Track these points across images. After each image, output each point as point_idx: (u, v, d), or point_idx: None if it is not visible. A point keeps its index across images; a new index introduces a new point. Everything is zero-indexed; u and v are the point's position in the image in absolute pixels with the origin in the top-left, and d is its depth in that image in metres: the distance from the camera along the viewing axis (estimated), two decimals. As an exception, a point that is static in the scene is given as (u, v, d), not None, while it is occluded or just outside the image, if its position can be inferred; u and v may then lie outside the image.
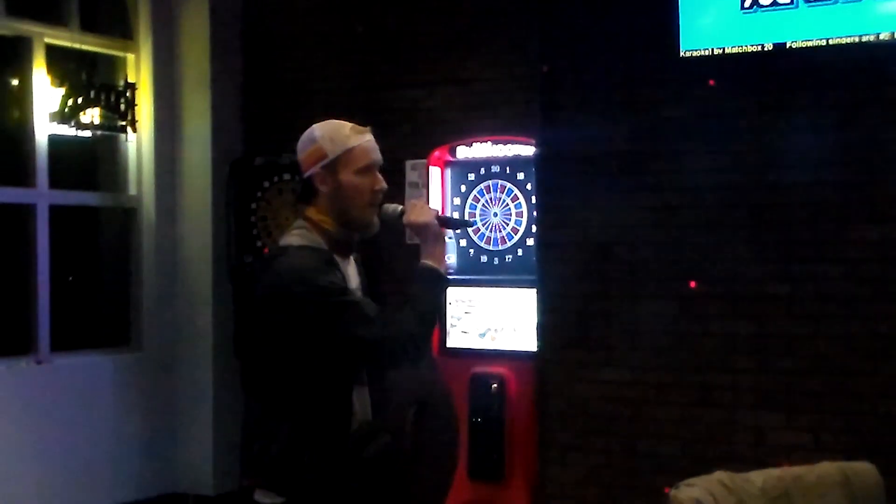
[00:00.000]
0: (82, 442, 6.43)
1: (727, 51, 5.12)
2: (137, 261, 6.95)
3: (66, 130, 6.45)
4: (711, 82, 5.17)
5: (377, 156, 3.12)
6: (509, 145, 5.90)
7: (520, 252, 5.89)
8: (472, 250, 6.02)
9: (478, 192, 6.02)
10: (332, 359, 2.99)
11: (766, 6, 5.03)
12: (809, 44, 4.93)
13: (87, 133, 6.60)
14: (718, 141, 5.22)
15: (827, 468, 3.59)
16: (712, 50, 5.15)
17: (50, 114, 6.38)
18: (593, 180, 5.51)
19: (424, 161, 6.08)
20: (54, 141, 6.45)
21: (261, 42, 7.12)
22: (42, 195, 6.38)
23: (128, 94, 6.69)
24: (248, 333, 2.96)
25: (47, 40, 6.41)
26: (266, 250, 6.37)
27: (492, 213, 5.97)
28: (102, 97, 6.54)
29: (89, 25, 6.72)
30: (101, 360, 6.73)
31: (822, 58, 4.93)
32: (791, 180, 5.06)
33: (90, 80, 6.51)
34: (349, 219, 3.08)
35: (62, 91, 6.39)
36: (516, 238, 5.91)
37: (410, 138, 6.39)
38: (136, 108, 6.74)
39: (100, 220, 7.23)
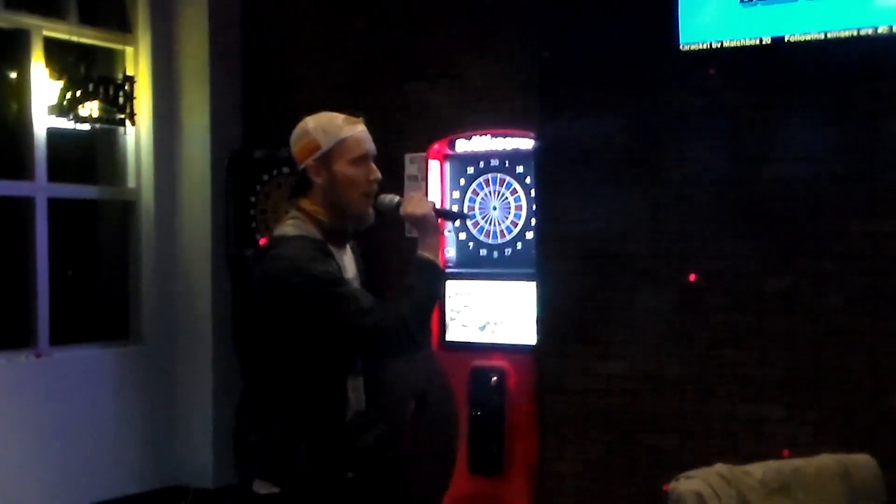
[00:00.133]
0: (82, 435, 6.43)
1: (726, 44, 5.10)
2: (136, 254, 6.94)
3: (65, 123, 6.45)
4: (712, 71, 5.16)
5: (371, 146, 3.13)
6: (508, 139, 5.89)
7: (519, 245, 5.89)
8: (471, 244, 6.02)
9: (477, 186, 6.02)
10: (326, 348, 2.99)
11: (766, -1, 5.03)
12: (808, 37, 4.92)
13: (86, 126, 6.59)
14: (717, 134, 5.22)
15: (826, 461, 3.60)
16: (710, 44, 5.14)
17: (48, 107, 6.37)
18: (592, 173, 5.51)
19: (423, 154, 6.08)
20: (53, 134, 6.44)
21: (260, 35, 7.11)
22: (41, 188, 6.37)
23: (126, 88, 6.68)
24: (244, 323, 2.97)
25: (46, 33, 6.40)
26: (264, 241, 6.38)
27: (491, 207, 5.97)
28: (101, 90, 6.53)
29: (88, 18, 6.71)
30: (100, 353, 6.73)
31: (821, 51, 4.93)
32: (790, 174, 5.05)
33: (88, 73, 6.51)
34: (344, 209, 3.09)
35: (60, 84, 6.38)
36: (515, 231, 5.91)
37: (410, 131, 6.39)
38: (134, 101, 6.73)
39: (98, 214, 7.22)
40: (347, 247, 3.22)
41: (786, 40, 4.97)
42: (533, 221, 5.74)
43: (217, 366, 6.85)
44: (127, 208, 6.98)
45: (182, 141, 7.01)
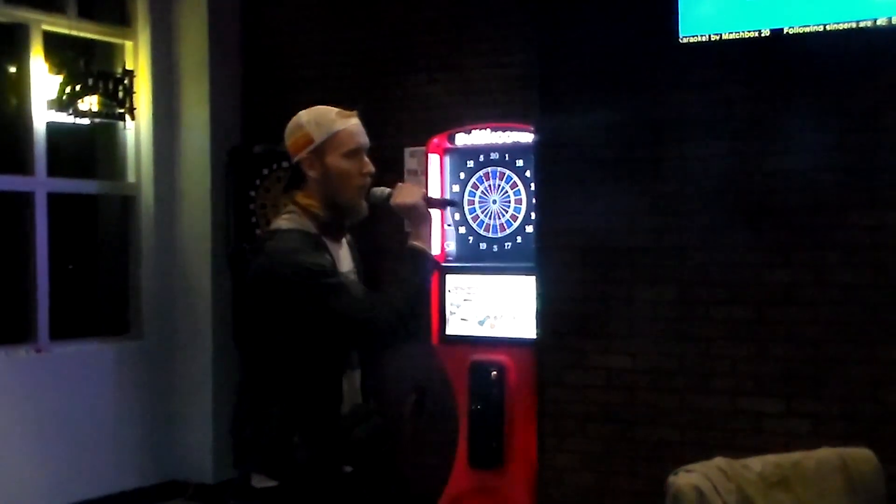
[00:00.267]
0: (81, 430, 6.44)
1: (725, 37, 5.10)
2: (136, 249, 6.95)
3: (64, 118, 6.44)
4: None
5: (364, 139, 3.14)
6: (508, 132, 5.88)
7: (519, 239, 5.89)
8: (471, 238, 6.01)
9: (477, 180, 6.01)
10: (320, 340, 3.00)
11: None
12: (807, 30, 4.92)
13: (86, 121, 6.59)
14: (716, 128, 5.21)
15: (826, 454, 3.60)
16: (710, 36, 5.13)
17: (48, 101, 6.37)
18: (592, 167, 5.50)
19: (423, 148, 6.07)
20: (52, 129, 6.45)
21: (259, 29, 7.11)
22: (40, 183, 6.37)
23: (126, 82, 6.69)
24: (243, 318, 3.00)
25: (45, 27, 6.40)
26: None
27: (491, 201, 5.96)
28: (100, 85, 6.54)
29: (87, 12, 6.71)
30: (100, 348, 6.74)
31: (820, 44, 4.92)
32: (789, 167, 5.05)
33: (88, 67, 6.51)
34: (338, 203, 3.10)
35: (60, 78, 6.38)
36: (515, 225, 5.91)
37: (409, 125, 6.40)
38: (134, 95, 6.73)
39: (98, 209, 7.22)
40: (343, 241, 3.23)
41: (785, 32, 4.97)
42: (533, 215, 5.74)
43: (217, 360, 6.86)
44: (127, 203, 6.98)
45: (182, 136, 7.01)
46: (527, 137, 5.76)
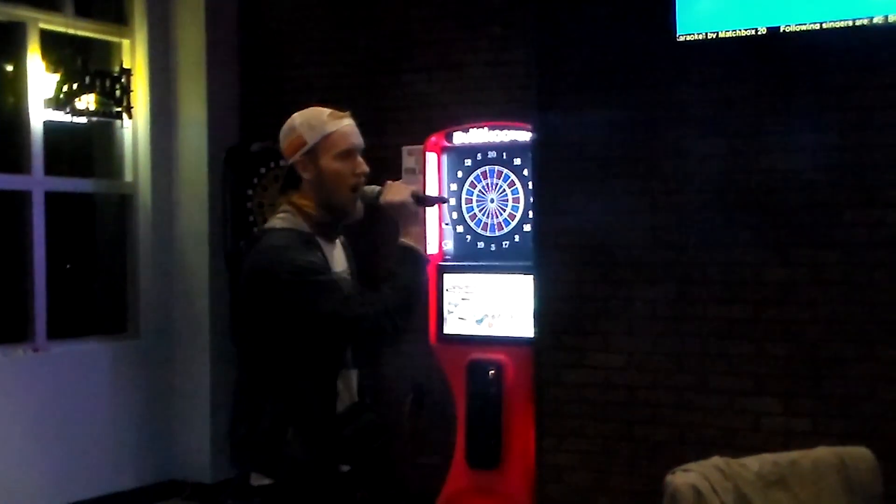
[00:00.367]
0: (79, 430, 6.43)
1: (722, 35, 5.09)
2: (133, 247, 6.94)
3: (62, 117, 6.43)
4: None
5: (357, 140, 3.15)
6: (506, 131, 5.87)
7: (516, 238, 5.88)
8: (468, 236, 6.00)
9: (474, 178, 6.00)
10: (311, 338, 3.01)
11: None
12: (804, 28, 4.91)
13: (83, 119, 6.58)
14: (714, 126, 5.21)
15: (823, 453, 3.59)
16: (707, 34, 5.12)
17: (45, 100, 6.35)
18: (590, 166, 5.49)
19: (421, 147, 6.06)
20: (49, 127, 6.44)
21: (257, 28, 7.10)
22: (38, 182, 6.37)
23: (123, 80, 6.67)
24: (237, 314, 3.03)
25: (42, 25, 6.38)
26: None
27: (488, 199, 5.95)
28: (98, 83, 6.52)
29: (84, 10, 6.70)
30: (98, 347, 6.73)
31: (817, 42, 4.91)
32: (787, 165, 5.04)
33: (85, 65, 6.49)
34: (332, 203, 3.12)
35: (57, 77, 6.37)
36: (513, 224, 5.90)
37: (407, 124, 6.39)
38: (131, 94, 6.72)
39: (96, 207, 7.22)
40: (338, 241, 3.24)
41: (782, 31, 4.96)
42: (530, 214, 5.73)
43: (215, 360, 6.85)
44: (124, 202, 6.97)
45: (179, 134, 7.00)
46: (525, 136, 5.76)
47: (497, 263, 5.86)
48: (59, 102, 6.36)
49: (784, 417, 5.02)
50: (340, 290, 3.01)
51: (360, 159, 3.14)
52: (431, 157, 6.03)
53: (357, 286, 3.19)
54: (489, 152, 5.95)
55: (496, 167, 5.94)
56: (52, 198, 6.45)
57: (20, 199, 6.35)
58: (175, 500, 6.86)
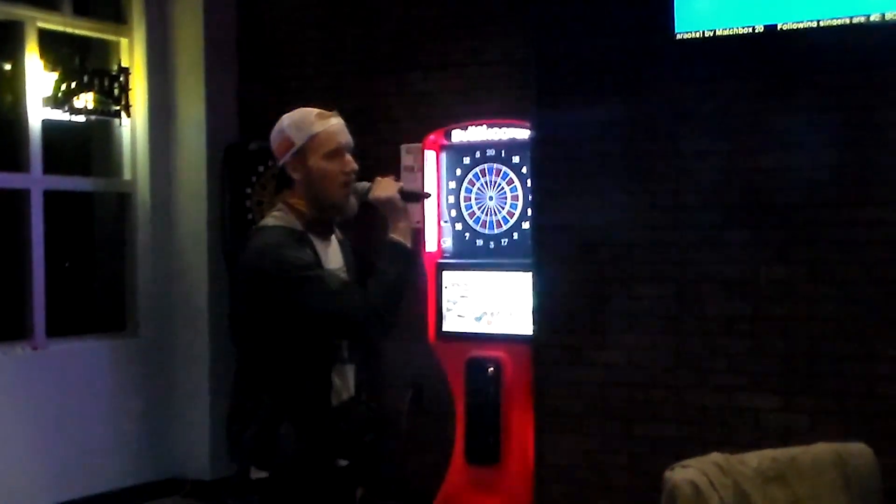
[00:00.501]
0: (79, 428, 6.43)
1: (720, 33, 5.09)
2: (132, 246, 6.93)
3: (60, 115, 6.43)
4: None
5: (344, 138, 3.19)
6: (504, 129, 5.88)
7: (515, 236, 5.88)
8: (467, 234, 6.01)
9: (473, 176, 6.00)
10: (300, 332, 3.06)
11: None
12: (801, 26, 4.92)
13: (81, 118, 6.57)
14: (712, 124, 5.21)
15: (822, 449, 3.60)
16: (704, 32, 5.12)
17: (43, 98, 6.35)
18: (589, 163, 5.50)
19: (419, 145, 6.06)
20: (48, 126, 6.43)
21: (255, 26, 7.09)
22: (36, 180, 6.36)
23: (121, 79, 6.67)
24: (233, 311, 3.13)
25: (40, 24, 6.38)
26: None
27: (487, 197, 5.96)
28: (96, 81, 6.51)
29: (82, 9, 6.69)
30: (97, 345, 6.73)
31: (814, 40, 4.92)
32: (786, 163, 5.05)
33: (83, 64, 6.49)
34: (323, 201, 3.17)
35: (55, 75, 6.36)
36: (512, 222, 5.90)
37: (406, 122, 6.39)
38: (129, 92, 6.72)
39: (94, 205, 7.21)
40: (334, 239, 3.27)
41: (779, 28, 4.97)
42: (529, 211, 5.73)
43: (214, 357, 6.85)
44: (123, 200, 6.97)
45: (178, 132, 6.99)
46: (523, 134, 5.76)
47: (496, 261, 5.86)
48: (57, 101, 6.35)
49: (783, 414, 5.03)
50: (327, 285, 3.05)
51: (348, 157, 3.19)
52: (430, 155, 6.04)
53: (354, 282, 3.21)
54: (488, 150, 5.96)
55: (495, 165, 5.94)
56: (50, 196, 6.44)
57: (19, 198, 6.34)
58: (175, 498, 6.86)
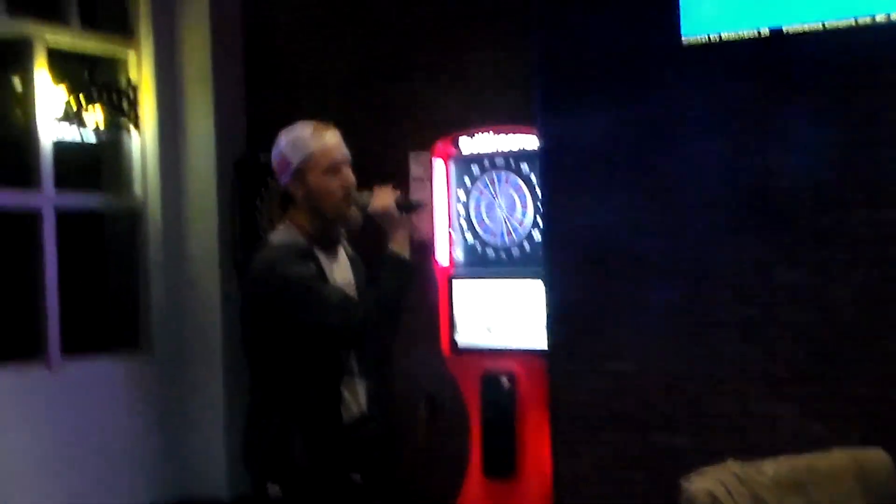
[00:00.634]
0: (94, 447, 6.42)
1: (726, 37, 5.07)
2: (144, 262, 6.93)
3: (70, 131, 6.43)
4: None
5: (340, 153, 3.23)
6: (512, 136, 5.84)
7: (526, 245, 5.84)
8: (477, 245, 5.98)
9: (482, 184, 5.97)
10: (304, 346, 3.11)
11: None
12: (806, 28, 4.89)
13: (91, 133, 6.58)
14: (720, 127, 5.18)
15: (839, 456, 3.58)
16: (709, 37, 5.11)
17: (53, 115, 6.34)
18: (597, 169, 5.48)
19: (428, 153, 6.04)
20: (58, 142, 6.43)
21: (262, 38, 7.10)
22: (48, 199, 6.36)
23: (130, 94, 6.67)
24: (244, 326, 3.21)
25: (48, 39, 6.37)
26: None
27: (497, 206, 5.93)
28: (105, 97, 6.53)
29: (90, 24, 6.70)
30: (111, 364, 6.73)
31: (820, 42, 4.88)
32: (794, 164, 5.01)
33: (92, 79, 6.50)
34: (325, 216, 3.22)
35: (64, 91, 6.37)
36: (522, 231, 5.87)
37: (414, 130, 6.37)
38: (138, 107, 6.72)
39: (105, 222, 7.21)
40: (342, 253, 3.29)
41: (784, 31, 4.94)
42: (539, 219, 5.71)
43: (228, 374, 6.84)
44: (134, 216, 6.97)
45: (187, 146, 7.00)
46: (531, 141, 5.73)
47: (507, 270, 5.83)
48: (67, 117, 6.36)
49: (800, 420, 4.99)
50: (326, 298, 3.08)
51: (346, 171, 3.23)
52: (439, 164, 6.02)
53: (343, 291, 3.23)
54: (496, 158, 5.92)
55: (504, 173, 5.91)
56: (61, 213, 6.44)
57: (31, 216, 6.34)
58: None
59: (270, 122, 6.76)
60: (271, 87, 7.03)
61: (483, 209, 5.95)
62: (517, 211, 5.87)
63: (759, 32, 4.99)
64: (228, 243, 6.80)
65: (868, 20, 4.77)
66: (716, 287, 5.18)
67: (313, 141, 3.19)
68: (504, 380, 5.70)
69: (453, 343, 5.89)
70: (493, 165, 5.93)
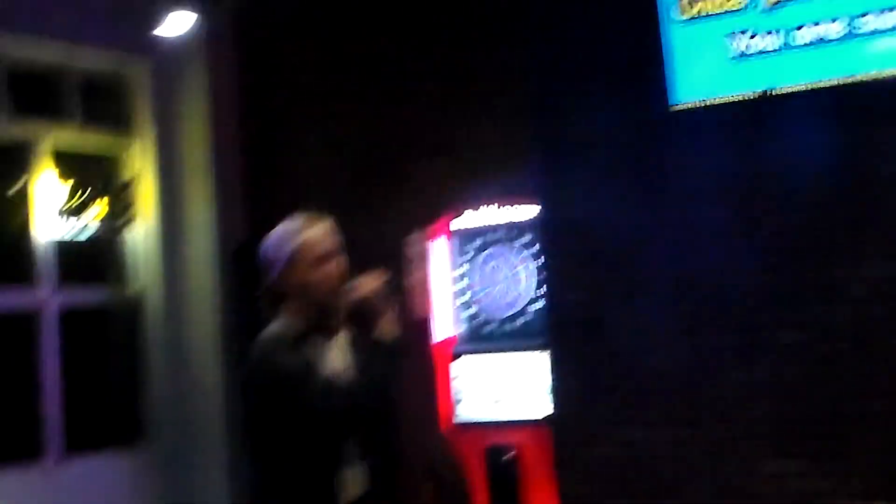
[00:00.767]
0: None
1: (718, 101, 5.14)
2: (146, 355, 6.91)
3: (71, 226, 6.46)
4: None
5: (327, 244, 3.22)
6: (510, 209, 5.89)
7: (527, 317, 5.84)
8: (478, 318, 5.97)
9: (482, 259, 5.99)
10: (298, 437, 3.08)
11: (754, 53, 5.05)
12: (793, 89, 4.95)
13: (92, 228, 6.61)
14: (714, 192, 5.22)
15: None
16: (704, 101, 5.17)
17: (55, 212, 6.39)
18: (596, 239, 5.51)
19: (425, 232, 6.06)
20: (60, 238, 6.45)
21: (260, 127, 7.16)
22: (50, 297, 6.36)
23: (131, 188, 6.72)
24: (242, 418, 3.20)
25: (52, 135, 6.43)
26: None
27: (497, 279, 5.94)
28: (106, 192, 6.57)
29: (91, 121, 6.76)
30: (113, 460, 6.65)
31: (811, 100, 4.95)
32: (797, 218, 5.04)
33: (93, 175, 6.54)
34: (319, 306, 3.20)
35: (66, 188, 6.41)
36: (523, 303, 5.87)
37: (414, 209, 6.38)
38: (139, 200, 6.76)
39: (107, 315, 7.19)
40: (341, 336, 3.28)
41: (773, 93, 4.99)
42: (540, 292, 5.71)
43: (231, 464, 6.77)
44: (135, 308, 6.96)
45: (187, 237, 7.01)
46: (529, 214, 5.76)
47: (508, 343, 5.82)
48: (68, 213, 6.40)
49: (809, 479, 4.93)
50: (312, 387, 3.06)
51: (336, 260, 3.22)
52: (439, 240, 6.03)
53: (363, 379, 3.21)
54: (495, 232, 5.95)
55: (503, 246, 5.93)
56: (63, 310, 6.44)
57: (32, 314, 6.33)
58: None
59: (270, 208, 6.89)
60: (270, 172, 7.07)
61: (483, 283, 5.96)
62: (518, 283, 5.88)
63: (750, 95, 5.05)
64: (230, 331, 6.78)
65: (861, 77, 4.83)
66: (722, 348, 5.20)
67: (299, 236, 3.19)
68: (507, 453, 5.65)
69: (455, 418, 5.86)
70: (493, 239, 5.96)
